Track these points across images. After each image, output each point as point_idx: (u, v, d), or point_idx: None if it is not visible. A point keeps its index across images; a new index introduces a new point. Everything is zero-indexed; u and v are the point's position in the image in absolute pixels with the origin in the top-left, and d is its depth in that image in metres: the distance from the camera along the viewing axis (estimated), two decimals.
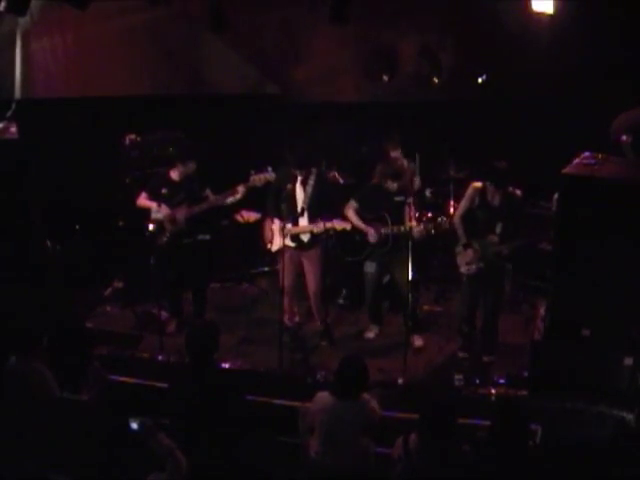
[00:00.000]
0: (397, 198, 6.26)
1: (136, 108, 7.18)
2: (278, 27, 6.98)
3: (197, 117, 7.52)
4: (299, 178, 6.22)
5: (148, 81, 7.01)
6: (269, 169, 6.21)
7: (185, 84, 7.24)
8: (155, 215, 6.32)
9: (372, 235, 6.31)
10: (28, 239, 6.19)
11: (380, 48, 7.28)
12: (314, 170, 6.25)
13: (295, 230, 6.26)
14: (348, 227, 6.16)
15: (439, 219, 6.12)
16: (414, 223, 6.20)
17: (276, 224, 6.32)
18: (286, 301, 6.41)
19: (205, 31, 6.79)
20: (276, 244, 6.32)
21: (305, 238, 6.32)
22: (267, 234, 6.44)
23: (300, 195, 6.25)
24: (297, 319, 6.75)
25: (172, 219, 6.32)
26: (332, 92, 7.61)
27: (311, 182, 6.23)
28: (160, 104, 7.23)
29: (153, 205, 6.36)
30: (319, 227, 6.13)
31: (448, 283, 7.48)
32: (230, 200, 6.35)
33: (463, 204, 6.18)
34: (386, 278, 6.77)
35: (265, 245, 6.52)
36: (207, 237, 6.66)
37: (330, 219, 6.11)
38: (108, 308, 7.13)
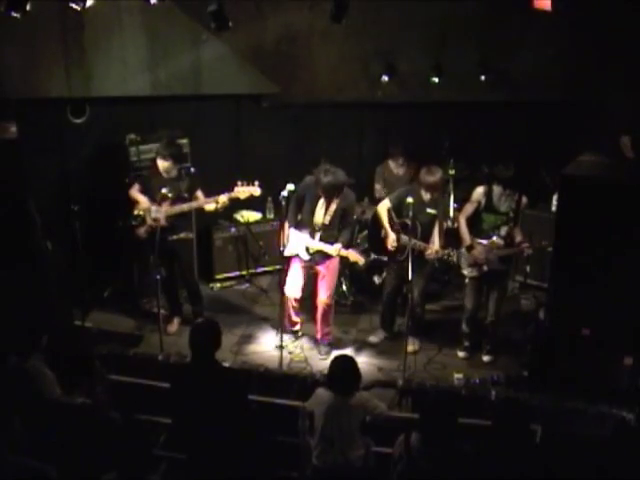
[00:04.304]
0: (429, 210, 6.17)
1: (136, 108, 7.18)
2: (278, 27, 6.96)
3: (198, 117, 7.53)
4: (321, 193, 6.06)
5: (148, 81, 6.99)
6: (256, 183, 6.17)
7: (185, 84, 7.23)
8: (155, 214, 6.33)
9: (390, 242, 6.24)
10: (27, 239, 6.18)
11: (380, 48, 7.26)
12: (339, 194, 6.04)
13: (310, 244, 6.15)
14: (361, 262, 6.11)
15: (454, 251, 6.03)
16: (436, 243, 6.13)
17: (292, 230, 6.20)
18: (290, 309, 6.38)
19: (206, 31, 6.78)
20: (289, 249, 6.21)
21: (314, 252, 6.19)
22: (283, 237, 6.23)
23: (321, 210, 6.11)
24: (297, 327, 6.61)
25: (154, 217, 6.34)
26: (332, 92, 7.59)
27: (334, 204, 6.07)
28: (160, 104, 7.23)
29: (142, 199, 6.39)
30: (334, 252, 6.05)
31: (449, 283, 7.53)
32: (210, 206, 6.32)
33: (469, 206, 6.18)
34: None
35: (279, 246, 6.27)
36: (191, 235, 6.67)
37: (347, 247, 6.07)
38: (108, 308, 7.13)
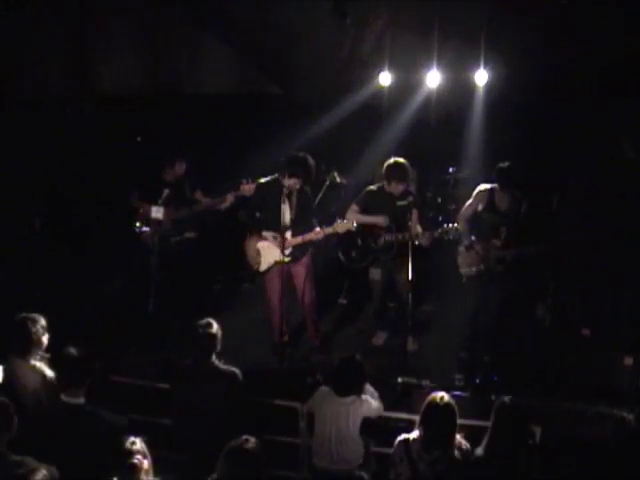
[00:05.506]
0: (400, 202, 6.15)
1: (136, 108, 7.20)
2: (278, 27, 6.97)
3: (195, 117, 7.54)
4: (285, 191, 5.92)
5: (147, 81, 7.01)
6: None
7: (183, 84, 7.24)
8: (155, 215, 6.32)
9: (383, 221, 6.15)
10: (30, 240, 6.20)
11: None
12: (298, 181, 5.91)
13: (291, 242, 5.98)
14: (352, 226, 5.87)
15: (447, 226, 5.98)
16: (419, 230, 6.08)
17: (262, 242, 6.08)
18: (275, 318, 6.20)
19: (204, 31, 6.81)
20: (265, 262, 6.08)
21: (288, 251, 5.98)
22: (251, 254, 6.10)
23: (286, 208, 5.96)
24: (286, 337, 6.28)
25: (159, 220, 6.32)
26: (333, 92, 7.60)
27: (295, 193, 5.97)
28: (159, 104, 7.25)
29: (143, 205, 6.37)
30: (320, 234, 5.91)
31: (448, 283, 7.52)
32: (218, 207, 6.34)
33: (469, 205, 6.17)
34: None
35: (251, 267, 6.16)
36: (193, 235, 6.67)
37: (329, 224, 5.92)
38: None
